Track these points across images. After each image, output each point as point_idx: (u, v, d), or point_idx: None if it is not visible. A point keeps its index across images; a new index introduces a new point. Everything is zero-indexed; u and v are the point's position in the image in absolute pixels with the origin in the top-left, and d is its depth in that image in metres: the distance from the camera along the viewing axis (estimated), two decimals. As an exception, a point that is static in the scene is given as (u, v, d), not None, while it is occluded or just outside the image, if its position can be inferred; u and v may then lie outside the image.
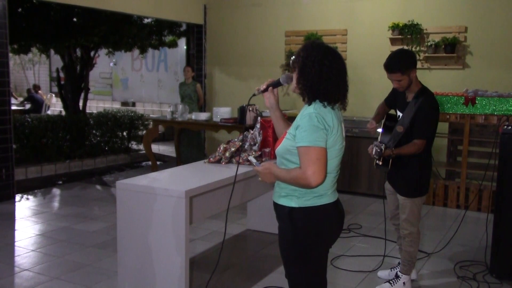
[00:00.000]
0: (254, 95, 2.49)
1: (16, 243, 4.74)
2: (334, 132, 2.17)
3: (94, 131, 9.14)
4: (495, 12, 6.72)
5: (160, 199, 3.21)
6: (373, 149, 3.42)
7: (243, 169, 3.83)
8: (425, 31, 7.08)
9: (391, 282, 3.74)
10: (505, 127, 3.99)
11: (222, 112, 7.15)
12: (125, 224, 3.40)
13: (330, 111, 2.18)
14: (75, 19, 8.56)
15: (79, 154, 8.51)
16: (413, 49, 7.12)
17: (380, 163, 3.42)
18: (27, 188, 6.91)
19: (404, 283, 3.70)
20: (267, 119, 4.28)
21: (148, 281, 3.34)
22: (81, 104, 9.47)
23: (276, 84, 2.44)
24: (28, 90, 13.85)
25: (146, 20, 9.16)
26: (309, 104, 2.22)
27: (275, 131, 2.53)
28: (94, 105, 14.98)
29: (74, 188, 7.08)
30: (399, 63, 3.35)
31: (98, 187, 7.24)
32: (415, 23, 7.04)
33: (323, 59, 2.16)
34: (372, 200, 6.32)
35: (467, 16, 6.88)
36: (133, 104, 14.63)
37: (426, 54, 7.08)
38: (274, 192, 2.36)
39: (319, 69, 2.16)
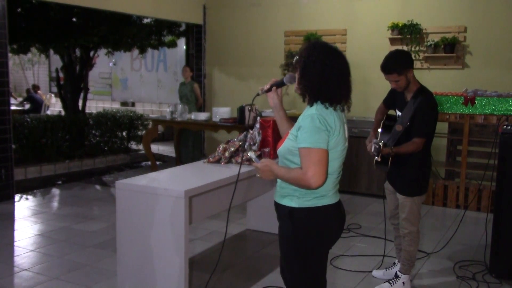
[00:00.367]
0: (258, 94, 2.51)
1: (15, 243, 4.74)
2: (336, 134, 2.17)
3: (93, 131, 9.14)
4: (495, 12, 6.73)
5: (160, 199, 3.21)
6: (372, 147, 3.44)
7: (243, 169, 3.83)
8: (424, 31, 7.08)
9: (390, 282, 3.74)
10: (505, 127, 3.99)
11: (222, 112, 7.15)
12: (124, 224, 3.39)
13: (332, 113, 2.17)
14: (74, 19, 8.55)
15: (78, 154, 8.51)
16: (413, 49, 7.13)
17: (379, 159, 3.42)
18: (26, 188, 6.90)
19: (403, 283, 3.70)
20: (267, 119, 4.28)
21: (147, 281, 3.33)
22: (80, 104, 9.46)
23: (279, 84, 2.45)
24: (28, 90, 13.85)
25: (145, 20, 9.16)
26: (311, 105, 2.21)
27: (279, 131, 2.53)
28: (94, 105, 14.97)
29: (73, 188, 7.08)
30: (395, 64, 3.37)
31: (98, 187, 7.23)
32: (415, 23, 7.04)
33: (324, 60, 2.16)
34: (371, 200, 6.32)
35: (467, 16, 6.88)
36: (133, 104, 14.63)
37: (426, 54, 7.08)
38: (275, 191, 2.36)
39: (321, 70, 2.15)
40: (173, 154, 9.02)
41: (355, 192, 6.65)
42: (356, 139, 6.40)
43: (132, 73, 14.61)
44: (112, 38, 8.57)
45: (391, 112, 3.84)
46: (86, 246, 4.65)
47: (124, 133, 9.49)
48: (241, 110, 6.69)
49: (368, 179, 6.57)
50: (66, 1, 6.85)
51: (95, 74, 14.39)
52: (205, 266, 4.23)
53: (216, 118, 7.12)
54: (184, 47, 10.87)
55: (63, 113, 9.64)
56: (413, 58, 7.19)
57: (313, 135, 2.10)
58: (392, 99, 3.74)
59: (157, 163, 8.41)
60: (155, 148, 9.78)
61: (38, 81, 16.99)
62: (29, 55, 15.38)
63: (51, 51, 10.32)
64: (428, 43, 6.99)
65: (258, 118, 4.32)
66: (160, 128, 9.20)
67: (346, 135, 2.30)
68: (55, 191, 6.97)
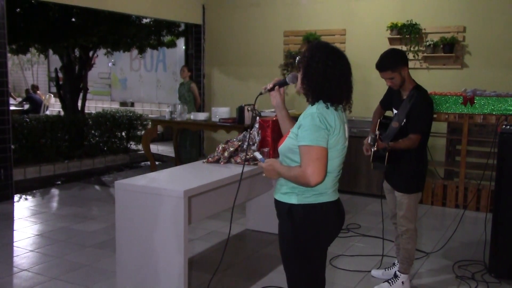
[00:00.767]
0: (261, 93, 2.52)
1: (14, 243, 4.74)
2: (336, 133, 2.19)
3: (92, 131, 9.13)
4: (494, 12, 6.73)
5: (159, 199, 3.21)
6: (368, 138, 3.50)
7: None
8: (423, 31, 7.08)
9: (390, 281, 3.75)
10: (504, 126, 4.00)
11: (221, 112, 7.15)
12: (123, 224, 3.39)
13: (332, 112, 2.20)
14: (73, 19, 8.55)
15: (77, 154, 8.50)
16: (412, 49, 7.14)
17: (375, 148, 3.46)
18: (25, 188, 6.90)
19: (402, 282, 3.71)
20: (266, 119, 4.29)
21: (147, 281, 3.33)
22: (79, 104, 9.46)
23: (282, 83, 2.47)
24: (27, 91, 13.83)
25: (144, 20, 9.16)
26: (313, 104, 2.24)
27: (281, 130, 2.57)
28: (93, 105, 14.97)
29: (72, 188, 7.08)
30: (388, 62, 3.45)
31: (97, 187, 7.23)
32: (414, 23, 7.04)
33: (327, 60, 2.18)
34: (371, 200, 6.32)
35: (466, 16, 6.89)
36: (132, 104, 14.62)
37: (425, 54, 7.09)
38: (275, 189, 2.39)
39: (323, 70, 2.18)
40: (172, 154, 9.02)
41: (355, 192, 6.65)
42: (355, 139, 6.39)
43: (131, 73, 14.60)
44: (111, 38, 8.57)
45: (388, 113, 3.86)
46: (86, 246, 4.65)
47: (123, 133, 9.48)
48: (240, 110, 6.69)
49: (368, 179, 6.58)
50: (65, 1, 6.85)
51: (94, 74, 14.39)
52: (204, 266, 4.23)
53: (215, 118, 7.12)
54: (183, 47, 10.86)
55: (62, 113, 9.64)
56: (412, 58, 7.30)
57: (313, 133, 2.13)
58: (389, 99, 3.79)
59: (157, 163, 8.41)
60: (155, 148, 9.78)
61: (37, 81, 16.98)
62: (28, 55, 15.35)
63: (50, 51, 10.32)
64: (427, 43, 7.00)
65: (258, 118, 4.32)
66: (160, 128, 9.21)
67: (347, 135, 2.33)
68: (54, 191, 6.97)
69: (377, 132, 3.52)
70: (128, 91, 14.82)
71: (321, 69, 2.18)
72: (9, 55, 7.75)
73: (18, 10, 7.97)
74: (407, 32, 7.07)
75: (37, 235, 4.97)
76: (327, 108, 2.20)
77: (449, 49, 6.86)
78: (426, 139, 3.60)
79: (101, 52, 9.90)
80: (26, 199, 6.39)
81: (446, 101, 6.00)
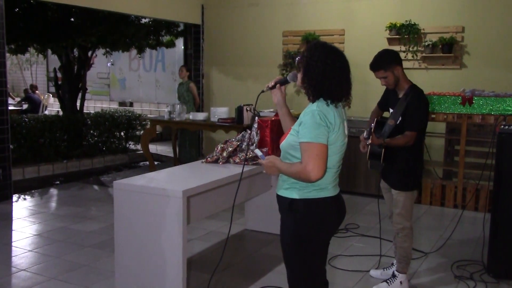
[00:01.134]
0: (263, 91, 2.60)
1: (13, 244, 4.74)
2: (336, 130, 2.26)
3: (91, 131, 9.13)
4: (492, 12, 6.74)
5: (158, 199, 3.21)
6: (363, 133, 3.58)
7: (241, 169, 3.82)
8: (422, 31, 7.09)
9: (388, 281, 3.75)
10: (502, 126, 4.01)
11: (220, 112, 7.15)
12: (122, 224, 3.39)
13: (332, 109, 2.27)
14: (72, 19, 8.55)
15: (76, 154, 8.50)
16: (410, 49, 7.15)
17: (370, 141, 3.51)
18: (24, 188, 6.89)
19: (401, 282, 3.71)
20: (265, 119, 4.29)
21: (145, 281, 3.33)
22: (78, 104, 9.45)
23: (283, 82, 2.56)
24: (26, 90, 13.82)
25: (143, 20, 9.15)
26: (313, 102, 2.30)
27: (282, 127, 2.64)
28: (92, 105, 14.96)
29: (71, 188, 7.07)
30: (381, 61, 3.55)
31: (96, 187, 7.23)
32: (413, 23, 7.05)
33: (326, 59, 2.26)
34: (369, 200, 6.32)
35: (464, 16, 6.89)
36: (131, 104, 14.62)
37: (424, 54, 7.09)
38: (277, 185, 2.45)
39: (322, 68, 2.25)
40: (171, 154, 9.02)
41: (353, 192, 6.65)
42: (354, 139, 6.39)
43: (130, 73, 14.60)
44: (110, 38, 8.57)
45: (386, 115, 3.89)
46: (84, 246, 4.65)
47: (122, 133, 9.48)
48: (239, 110, 6.69)
49: (366, 179, 6.58)
50: (64, 1, 6.84)
51: (93, 74, 14.38)
52: (203, 266, 4.23)
53: (214, 118, 7.11)
54: (182, 47, 10.86)
55: (61, 113, 9.63)
56: (411, 58, 7.29)
57: (314, 130, 2.19)
58: (386, 100, 3.84)
59: (155, 163, 8.40)
60: (153, 148, 9.77)
61: (36, 81, 16.97)
62: (27, 55, 15.34)
63: (49, 51, 10.31)
64: (426, 43, 7.00)
65: (256, 118, 4.32)
66: (158, 128, 9.19)
67: (346, 132, 2.39)
68: (53, 191, 6.97)
69: (372, 125, 3.60)
70: (127, 91, 14.82)
71: (321, 68, 2.25)
72: (8, 55, 7.75)
73: (17, 9, 7.97)
74: (406, 32, 7.07)
75: (35, 235, 4.97)
76: (327, 105, 2.26)
77: (448, 49, 6.87)
78: (422, 138, 3.65)
79: (100, 52, 9.89)
80: (24, 199, 6.38)
81: (445, 101, 6.00)
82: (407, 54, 7.19)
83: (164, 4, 8.32)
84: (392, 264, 4.01)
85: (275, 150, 4.11)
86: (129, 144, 9.67)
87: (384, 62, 3.53)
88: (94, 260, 4.29)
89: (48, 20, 8.18)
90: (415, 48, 7.12)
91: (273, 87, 2.57)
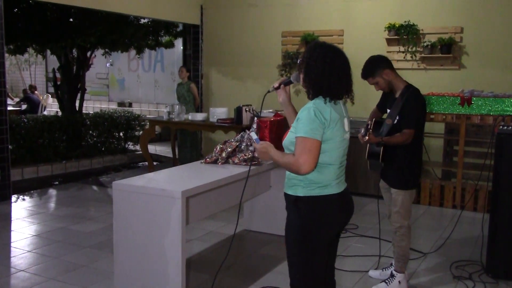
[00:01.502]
0: (268, 91, 2.72)
1: (12, 244, 4.73)
2: (332, 125, 2.31)
3: (90, 132, 9.12)
4: (491, 13, 6.75)
5: (157, 199, 3.21)
6: (361, 130, 3.62)
7: (241, 169, 3.83)
8: (421, 32, 7.10)
9: (386, 281, 3.76)
10: (501, 127, 4.01)
11: (219, 112, 7.15)
12: (121, 224, 3.39)
13: (329, 106, 2.32)
14: (71, 20, 8.55)
15: (75, 155, 8.50)
16: (409, 49, 7.15)
17: (366, 138, 3.54)
18: (23, 188, 6.89)
19: (399, 282, 3.72)
20: (264, 119, 4.29)
21: (144, 281, 3.33)
22: (77, 104, 9.45)
23: (287, 82, 2.69)
24: (24, 91, 13.82)
25: (142, 21, 9.16)
26: (312, 100, 2.38)
27: (289, 125, 2.69)
28: (91, 106, 14.95)
29: (70, 188, 7.07)
30: (367, 69, 3.63)
31: (95, 187, 7.23)
32: (411, 23, 7.06)
33: (324, 57, 2.33)
34: (368, 200, 6.33)
35: (463, 16, 6.90)
36: (130, 105, 14.61)
37: (422, 55, 7.10)
38: (284, 183, 2.51)
39: (322, 67, 2.32)
40: (170, 155, 9.01)
41: (352, 192, 6.56)
42: (353, 140, 6.39)
43: (129, 74, 14.60)
44: (109, 39, 8.56)
45: (385, 116, 3.91)
46: (83, 246, 4.64)
47: (121, 134, 9.48)
48: (238, 110, 6.70)
49: (365, 179, 6.58)
50: (63, 1, 6.84)
51: (92, 74, 14.38)
52: (202, 267, 4.23)
53: (213, 119, 7.12)
54: (181, 48, 10.87)
55: (60, 113, 9.62)
56: (410, 58, 7.29)
57: (308, 125, 2.27)
58: (384, 101, 3.88)
59: (154, 163, 8.40)
60: (152, 148, 9.77)
61: (35, 81, 16.96)
62: (26, 55, 15.33)
63: (48, 52, 10.31)
64: (425, 44, 7.01)
65: (255, 118, 4.32)
66: (157, 128, 9.20)
67: (346, 128, 2.46)
68: (52, 191, 6.97)
69: (368, 122, 3.65)
70: (126, 91, 14.82)
71: (319, 67, 2.32)
72: (6, 55, 7.74)
73: (15, 10, 7.96)
74: (404, 32, 7.08)
75: (34, 235, 4.97)
76: (325, 103, 2.32)
77: (447, 50, 6.88)
78: (420, 137, 3.68)
79: (99, 52, 9.89)
80: (23, 199, 6.38)
81: (444, 101, 6.01)
82: (406, 54, 7.20)
83: (163, 4, 8.32)
84: (391, 264, 4.01)
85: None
86: (128, 145, 9.66)
87: (371, 69, 3.61)
88: (93, 260, 4.29)
89: (47, 21, 8.18)
90: (414, 49, 7.13)
91: (278, 87, 2.68)
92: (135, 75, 14.48)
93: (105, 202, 6.24)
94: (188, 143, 8.27)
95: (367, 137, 3.55)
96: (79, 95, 9.44)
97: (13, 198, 6.34)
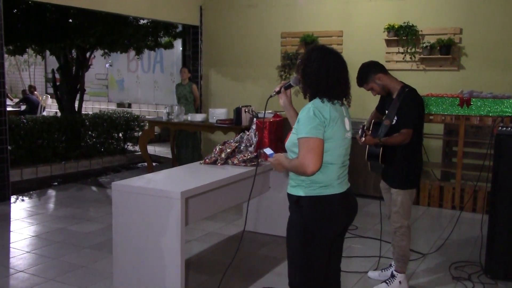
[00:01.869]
0: (271, 96, 2.77)
1: (11, 245, 4.73)
2: (332, 124, 2.34)
3: (89, 132, 9.12)
4: (490, 14, 6.76)
5: (156, 200, 3.21)
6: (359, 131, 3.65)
7: (240, 170, 3.83)
8: (420, 33, 7.11)
9: (387, 282, 3.76)
10: (500, 128, 4.01)
11: (218, 113, 7.15)
12: (120, 225, 3.39)
13: (327, 105, 2.35)
14: (70, 20, 8.54)
15: (74, 155, 8.49)
16: (408, 50, 7.16)
17: (363, 139, 3.56)
18: (22, 189, 6.88)
19: (400, 282, 3.73)
20: (263, 120, 4.29)
21: (143, 282, 3.33)
22: (76, 105, 9.44)
23: (288, 86, 2.73)
24: (24, 91, 13.82)
25: (142, 21, 9.15)
26: (310, 101, 2.41)
27: (290, 127, 2.71)
28: (90, 106, 14.95)
29: (69, 189, 7.07)
30: (359, 77, 3.68)
31: (94, 188, 7.22)
32: (411, 24, 7.07)
33: (322, 59, 2.37)
34: (368, 201, 6.33)
35: (462, 17, 6.91)
36: (129, 105, 14.62)
37: (422, 56, 7.11)
38: (288, 183, 2.54)
39: (318, 69, 2.35)
40: (169, 155, 9.01)
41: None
42: (352, 140, 6.41)
43: (128, 74, 14.60)
44: (109, 39, 8.56)
45: None
46: (82, 247, 4.64)
47: (120, 134, 9.47)
48: (238, 111, 6.70)
49: (365, 180, 6.58)
50: (62, 2, 6.84)
51: (92, 75, 14.39)
52: (201, 267, 4.23)
53: (212, 119, 7.12)
54: (181, 48, 10.87)
55: (59, 114, 9.62)
56: (409, 59, 7.30)
57: (308, 125, 2.30)
58: (383, 103, 3.89)
59: (154, 164, 8.40)
60: (152, 149, 9.77)
61: (34, 82, 16.96)
62: (25, 56, 15.34)
63: (47, 52, 10.31)
64: (424, 45, 7.02)
65: (255, 119, 4.32)
66: (157, 129, 9.20)
67: (347, 127, 2.48)
68: (51, 192, 6.96)
69: (364, 123, 3.69)
70: (125, 92, 14.82)
71: (316, 68, 2.36)
72: (6, 56, 7.74)
73: (15, 11, 7.95)
74: (404, 33, 7.09)
75: (33, 236, 4.96)
76: (323, 102, 2.35)
77: (446, 51, 6.88)
78: (419, 137, 3.68)
79: (98, 53, 9.89)
80: (22, 200, 6.37)
81: (443, 102, 6.01)
82: (405, 55, 7.21)
83: (163, 5, 8.33)
84: (390, 265, 4.02)
85: (274, 151, 4.11)
86: (127, 145, 9.66)
87: (363, 76, 3.66)
88: (92, 261, 4.29)
89: (47, 21, 8.17)
90: (413, 50, 7.14)
91: (279, 91, 2.72)
92: (135, 75, 14.48)
93: (104, 202, 6.24)
94: (188, 143, 8.28)
95: (363, 138, 3.56)
96: (78, 95, 9.43)
97: (12, 198, 6.34)
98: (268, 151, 2.58)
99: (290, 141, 2.44)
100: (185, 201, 3.27)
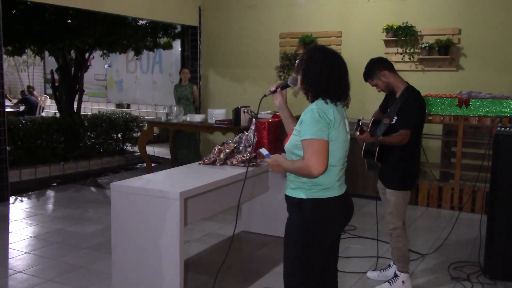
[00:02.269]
0: (265, 95, 2.72)
1: (10, 245, 4.72)
2: (336, 126, 2.33)
3: (88, 133, 9.11)
4: (489, 14, 6.77)
5: (155, 200, 3.21)
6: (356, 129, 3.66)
7: (239, 170, 3.83)
8: (419, 33, 7.11)
9: (390, 281, 3.77)
10: (499, 128, 4.02)
11: (217, 114, 7.15)
12: (119, 226, 3.39)
13: (331, 107, 2.34)
14: (69, 21, 8.54)
15: (73, 156, 8.48)
16: (407, 51, 7.17)
17: (358, 133, 3.58)
18: (21, 190, 6.88)
19: (403, 281, 3.73)
20: (262, 120, 4.29)
21: (142, 282, 3.33)
22: (75, 106, 9.44)
23: (284, 86, 2.68)
24: (22, 92, 13.81)
25: (140, 22, 9.15)
26: (312, 102, 2.39)
27: (286, 129, 2.71)
28: (89, 107, 14.95)
29: (68, 190, 7.06)
30: (367, 71, 3.69)
31: (93, 189, 7.22)
32: (409, 25, 7.07)
33: (323, 60, 2.35)
34: (366, 202, 6.33)
35: (461, 18, 6.92)
36: (128, 106, 14.62)
37: (420, 56, 7.12)
38: (286, 185, 2.52)
39: (320, 69, 2.34)
40: (168, 156, 9.01)
41: (351, 193, 6.63)
42: (351, 140, 6.41)
43: (127, 75, 14.60)
44: (107, 40, 8.56)
45: None
46: (81, 248, 4.64)
47: (119, 135, 9.47)
48: (236, 112, 6.70)
49: (363, 180, 6.58)
50: (61, 3, 6.84)
51: (90, 76, 14.37)
52: (200, 268, 4.23)
53: (211, 120, 7.12)
54: (180, 49, 10.87)
55: (58, 115, 9.62)
56: (408, 60, 7.30)
57: (314, 127, 2.27)
58: (386, 102, 3.88)
59: (152, 165, 8.40)
60: (151, 150, 9.76)
61: (33, 83, 16.94)
62: (24, 56, 15.33)
63: (46, 53, 10.30)
64: (423, 45, 7.03)
65: (253, 120, 4.33)
66: (156, 130, 9.19)
67: (347, 129, 2.47)
68: (50, 193, 6.96)
69: (360, 117, 3.69)
70: (124, 92, 14.81)
71: (318, 69, 2.34)
72: (4, 56, 7.73)
73: (13, 11, 7.95)
74: (402, 34, 7.10)
75: (32, 237, 4.96)
76: (326, 103, 2.34)
77: (445, 51, 6.89)
78: (418, 138, 3.68)
79: (97, 53, 9.88)
80: (21, 200, 6.37)
81: (442, 103, 6.02)
82: (404, 56, 7.22)
83: (161, 6, 8.33)
84: (389, 265, 4.02)
85: (273, 151, 4.11)
86: (126, 146, 9.65)
87: (370, 71, 3.66)
88: (91, 262, 4.29)
89: (45, 22, 8.16)
90: (412, 50, 7.14)
91: (275, 91, 2.67)
92: (133, 76, 14.48)
93: (103, 203, 6.24)
94: (187, 144, 8.27)
95: (358, 132, 3.57)
96: (77, 96, 9.42)
97: (11, 199, 6.33)
98: (264, 151, 2.55)
99: (291, 142, 2.41)
100: (184, 202, 3.27)
